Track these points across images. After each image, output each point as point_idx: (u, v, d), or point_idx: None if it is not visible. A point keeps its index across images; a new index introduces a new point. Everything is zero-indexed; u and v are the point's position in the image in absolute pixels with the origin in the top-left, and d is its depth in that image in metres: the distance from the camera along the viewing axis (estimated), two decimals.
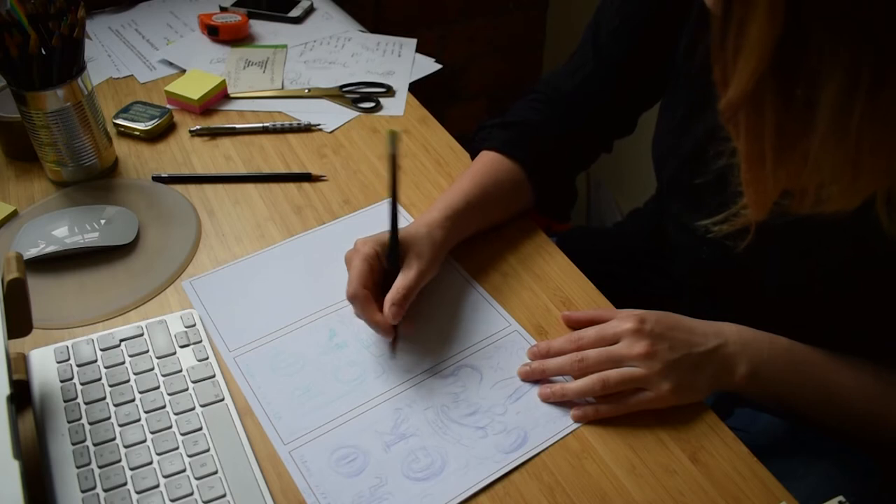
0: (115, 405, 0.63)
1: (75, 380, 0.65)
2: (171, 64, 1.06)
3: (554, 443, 0.62)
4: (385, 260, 0.68)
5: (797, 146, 0.48)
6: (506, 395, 0.66)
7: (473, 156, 0.83)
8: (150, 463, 0.60)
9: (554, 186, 0.83)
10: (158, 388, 0.65)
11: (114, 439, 0.61)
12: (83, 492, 0.58)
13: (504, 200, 0.79)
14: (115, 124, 0.93)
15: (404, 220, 0.81)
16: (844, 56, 0.43)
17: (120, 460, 0.60)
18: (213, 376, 0.66)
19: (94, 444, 0.61)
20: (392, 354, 0.69)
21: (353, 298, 0.66)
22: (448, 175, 0.88)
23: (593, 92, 0.80)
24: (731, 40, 0.47)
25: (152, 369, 0.66)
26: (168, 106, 0.97)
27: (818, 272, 0.64)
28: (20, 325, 0.61)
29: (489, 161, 0.80)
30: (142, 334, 0.69)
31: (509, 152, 0.79)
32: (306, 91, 1.01)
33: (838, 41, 0.43)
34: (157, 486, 0.58)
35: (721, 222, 0.60)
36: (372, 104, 0.99)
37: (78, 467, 0.59)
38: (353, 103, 0.99)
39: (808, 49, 0.44)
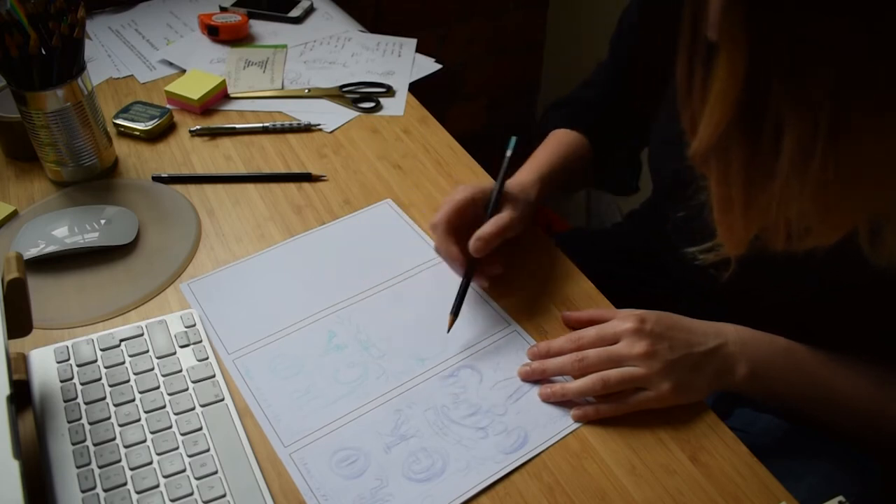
0: (115, 405, 0.63)
1: (75, 380, 0.65)
2: (171, 64, 1.06)
3: (554, 443, 0.62)
4: (480, 207, 0.72)
5: (765, 190, 0.49)
6: (506, 395, 0.66)
7: (540, 139, 0.88)
8: (150, 463, 0.60)
9: (609, 161, 0.90)
10: (158, 388, 0.65)
11: (114, 439, 0.61)
12: (83, 492, 0.58)
13: (578, 167, 0.87)
14: (115, 124, 0.93)
15: (404, 223, 0.82)
16: (803, 106, 0.44)
17: (120, 460, 0.60)
18: (213, 376, 0.66)
19: (94, 444, 0.61)
20: (447, 331, 0.70)
21: (434, 226, 0.71)
22: (448, 175, 0.88)
23: (607, 91, 0.88)
24: (697, 91, 0.48)
25: (152, 369, 0.66)
26: (168, 106, 0.97)
27: (815, 282, 0.64)
28: (20, 325, 0.61)
29: (560, 135, 0.87)
30: (142, 334, 0.69)
31: (573, 125, 0.87)
32: (306, 91, 1.01)
33: (797, 91, 0.44)
34: (157, 486, 0.58)
35: (707, 251, 0.61)
36: (372, 104, 0.99)
37: (78, 467, 0.59)
38: (353, 103, 0.99)
39: (770, 100, 0.45)
